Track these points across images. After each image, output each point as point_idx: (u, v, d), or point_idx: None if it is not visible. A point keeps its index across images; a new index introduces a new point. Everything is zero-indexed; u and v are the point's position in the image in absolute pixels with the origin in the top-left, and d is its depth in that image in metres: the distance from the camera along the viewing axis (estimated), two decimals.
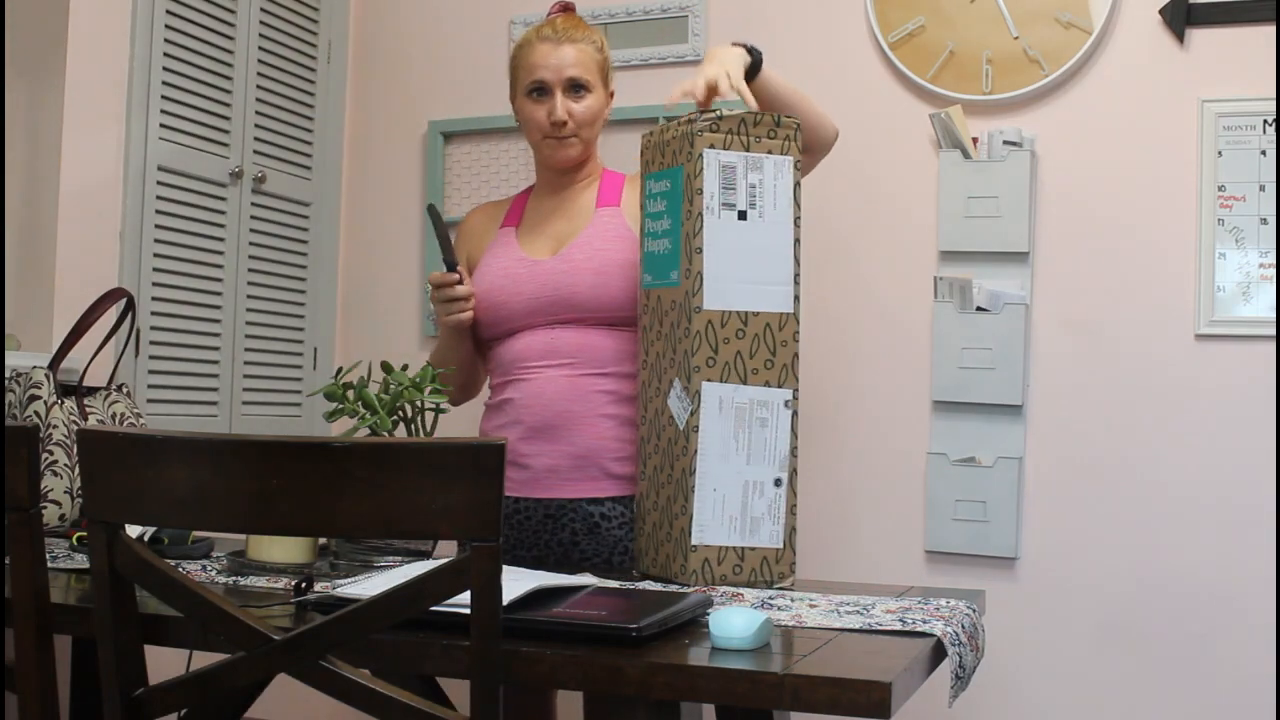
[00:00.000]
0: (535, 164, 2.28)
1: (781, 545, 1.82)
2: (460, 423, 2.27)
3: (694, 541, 1.81)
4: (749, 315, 1.83)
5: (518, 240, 2.21)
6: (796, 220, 1.86)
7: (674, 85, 2.01)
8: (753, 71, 2.03)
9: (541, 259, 2.16)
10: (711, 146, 1.86)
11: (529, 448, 2.10)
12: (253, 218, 2.99)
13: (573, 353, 2.11)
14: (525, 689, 2.18)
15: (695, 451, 1.82)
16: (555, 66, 2.15)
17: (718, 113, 1.87)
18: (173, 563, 1.36)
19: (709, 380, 1.83)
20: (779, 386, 1.83)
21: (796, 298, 1.85)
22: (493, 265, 2.19)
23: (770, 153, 1.86)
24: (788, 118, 1.89)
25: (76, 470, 2.09)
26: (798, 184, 1.87)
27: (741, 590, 1.76)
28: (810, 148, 2.09)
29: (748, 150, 1.86)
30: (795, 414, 1.84)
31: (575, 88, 2.16)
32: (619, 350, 2.10)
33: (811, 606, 1.61)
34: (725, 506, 1.81)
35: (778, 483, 1.82)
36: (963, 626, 1.53)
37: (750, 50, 2.04)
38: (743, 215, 1.85)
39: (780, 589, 1.78)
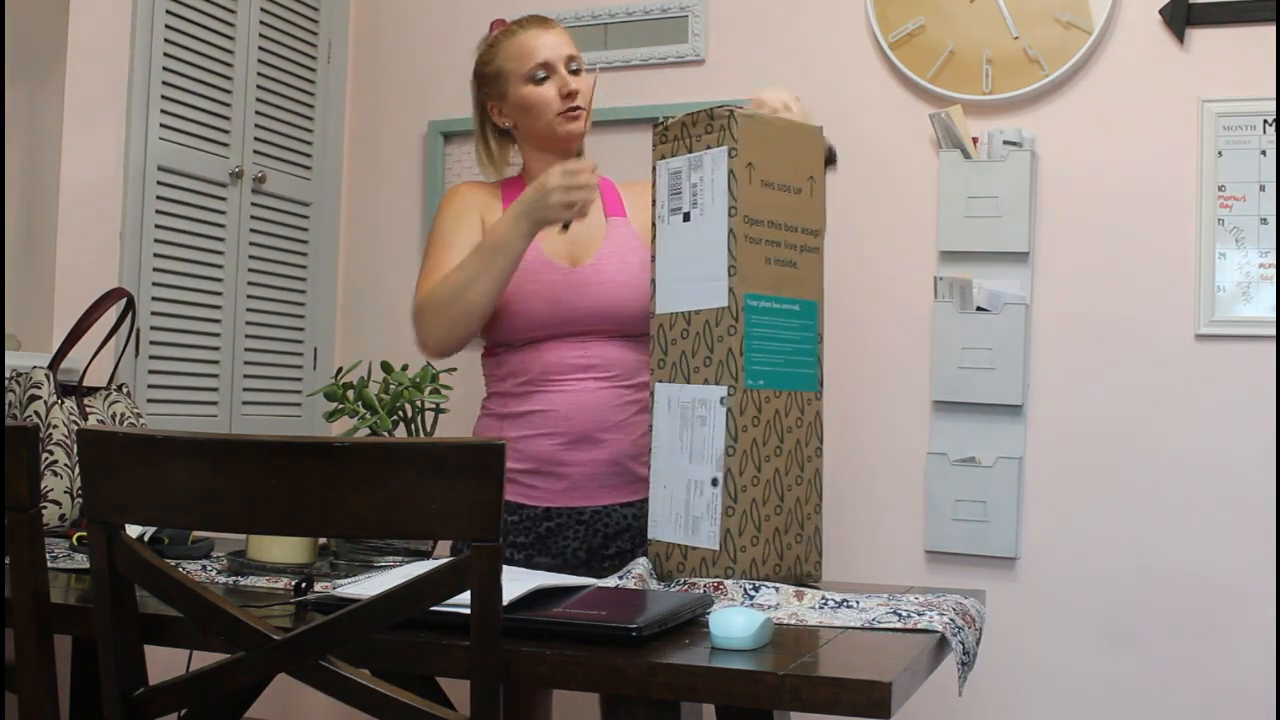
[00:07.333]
0: (529, 163, 2.25)
1: (717, 547, 1.77)
2: (461, 423, 2.27)
3: (649, 536, 1.86)
4: (691, 314, 1.83)
5: (537, 243, 2.14)
6: (731, 210, 1.78)
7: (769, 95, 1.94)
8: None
9: (569, 267, 2.13)
10: (662, 158, 1.88)
11: (570, 456, 2.09)
12: (253, 218, 2.99)
13: (608, 365, 2.11)
14: (523, 689, 2.18)
15: (650, 450, 1.86)
16: (553, 45, 2.16)
17: (664, 122, 1.88)
18: (173, 563, 1.36)
19: (660, 381, 1.86)
20: (716, 383, 1.79)
21: (731, 290, 1.78)
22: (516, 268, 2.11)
23: (709, 147, 1.82)
24: (720, 109, 1.82)
25: (76, 470, 2.09)
26: (731, 172, 1.79)
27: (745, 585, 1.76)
28: None
29: (690, 151, 1.85)
30: (729, 411, 1.77)
31: (573, 68, 2.17)
32: (642, 361, 2.11)
33: (811, 607, 1.61)
34: (673, 504, 1.83)
35: (714, 482, 1.78)
36: (955, 611, 1.54)
37: (830, 146, 1.96)
38: (687, 217, 1.84)
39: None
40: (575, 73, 2.17)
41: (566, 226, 2.03)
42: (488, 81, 2.23)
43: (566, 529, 2.10)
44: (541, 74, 2.15)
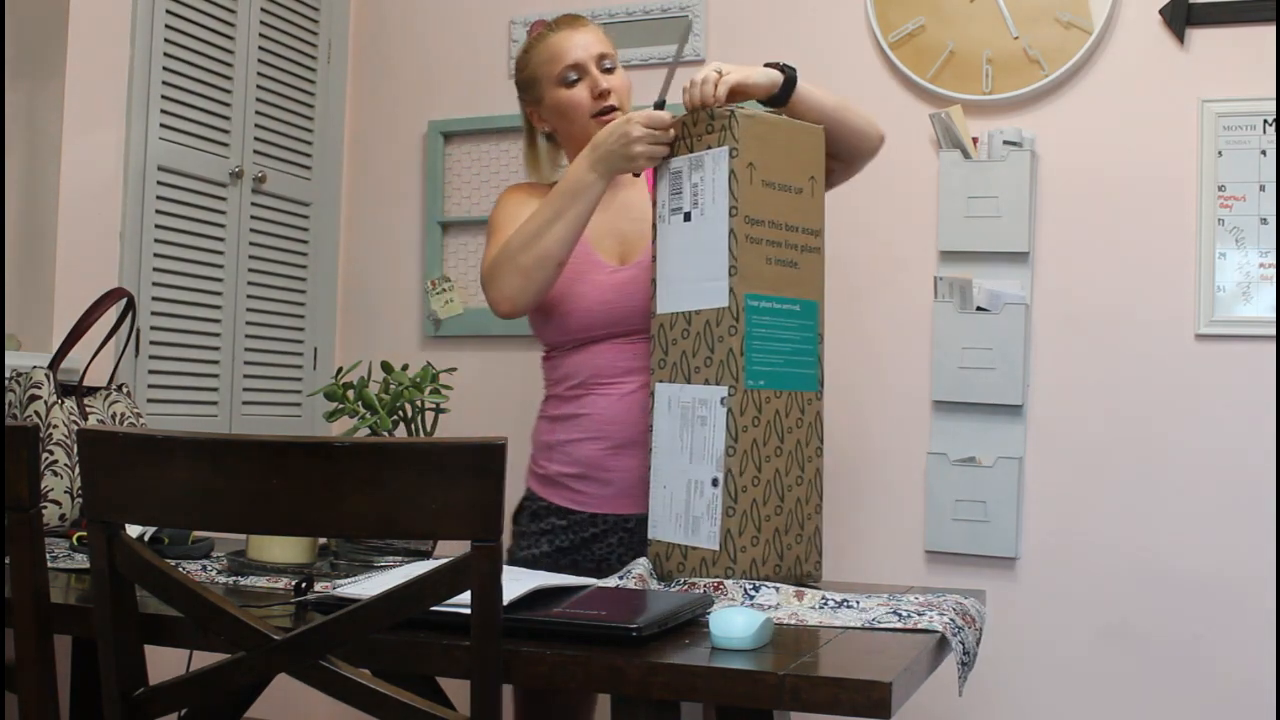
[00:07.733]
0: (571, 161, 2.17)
1: (718, 548, 1.76)
2: (461, 423, 2.27)
3: (649, 536, 1.86)
4: (692, 314, 1.83)
5: (587, 240, 2.10)
6: (732, 210, 1.78)
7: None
8: (788, 90, 1.95)
9: (619, 266, 2.10)
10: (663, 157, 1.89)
11: (615, 462, 2.07)
12: (253, 218, 2.99)
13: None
14: (571, 691, 2.15)
15: (650, 449, 1.87)
16: (584, 45, 2.12)
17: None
18: (173, 563, 1.36)
19: (660, 381, 1.86)
20: (717, 384, 1.79)
21: (731, 290, 1.78)
22: (566, 266, 2.06)
23: (710, 147, 1.83)
24: (721, 109, 1.82)
25: (76, 470, 2.09)
26: (732, 172, 1.79)
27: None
28: (851, 156, 2.04)
29: (691, 150, 1.85)
30: (730, 411, 1.77)
31: (606, 66, 2.14)
32: None
33: (811, 607, 1.61)
34: (673, 504, 1.83)
35: (715, 482, 1.78)
36: (955, 611, 1.54)
37: (783, 68, 1.95)
38: (688, 217, 1.85)
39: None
40: (609, 71, 2.13)
41: (639, 172, 2.01)
42: (525, 87, 2.20)
43: (610, 535, 2.09)
44: (573, 76, 2.11)
